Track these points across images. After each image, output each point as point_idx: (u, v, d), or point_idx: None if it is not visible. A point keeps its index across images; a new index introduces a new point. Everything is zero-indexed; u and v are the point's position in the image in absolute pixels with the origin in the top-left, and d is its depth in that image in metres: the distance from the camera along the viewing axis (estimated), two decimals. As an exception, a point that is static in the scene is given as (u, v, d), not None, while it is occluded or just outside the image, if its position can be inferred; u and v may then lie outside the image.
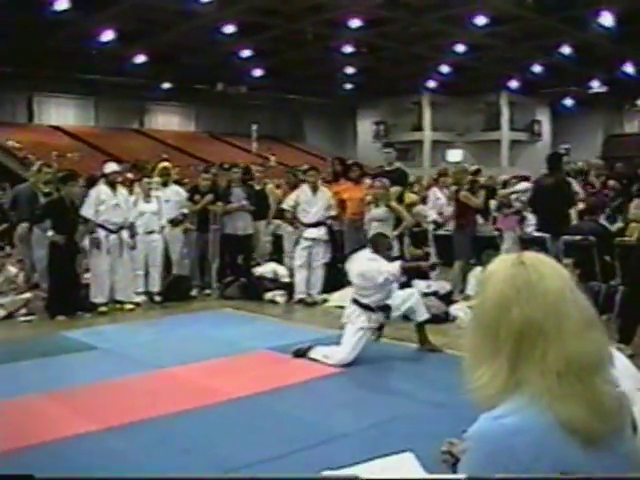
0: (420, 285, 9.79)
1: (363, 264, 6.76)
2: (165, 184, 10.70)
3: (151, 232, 10.16)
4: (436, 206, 10.68)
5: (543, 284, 1.56)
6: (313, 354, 6.79)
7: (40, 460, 4.35)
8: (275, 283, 10.48)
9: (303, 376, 6.32)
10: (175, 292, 10.29)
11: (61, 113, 34.13)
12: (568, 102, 34.61)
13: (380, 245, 6.95)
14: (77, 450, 4.56)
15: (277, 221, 11.57)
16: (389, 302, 6.76)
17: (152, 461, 4.38)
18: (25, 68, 29.03)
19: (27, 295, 9.58)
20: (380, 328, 6.91)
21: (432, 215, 10.76)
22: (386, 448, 3.09)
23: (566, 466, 1.48)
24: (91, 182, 10.57)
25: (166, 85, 33.47)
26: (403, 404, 5.42)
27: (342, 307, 9.72)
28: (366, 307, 6.74)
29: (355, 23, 24.02)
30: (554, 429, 1.48)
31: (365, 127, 38.59)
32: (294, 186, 10.85)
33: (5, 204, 10.75)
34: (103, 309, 9.44)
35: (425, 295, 9.35)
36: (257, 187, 11.60)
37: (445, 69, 30.26)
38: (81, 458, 4.43)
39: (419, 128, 36.31)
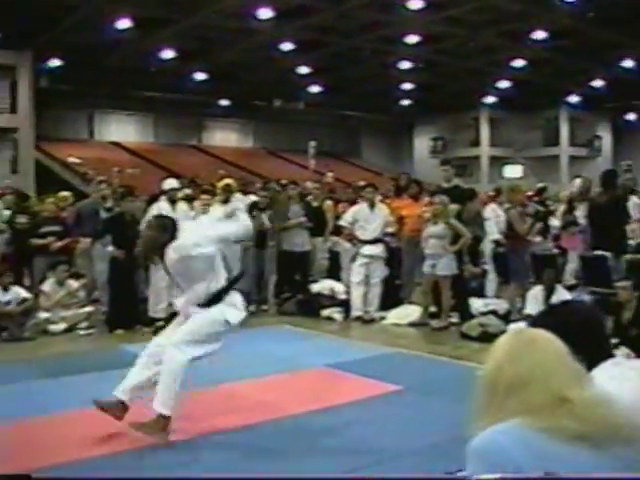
0: (477, 304, 9.69)
1: None
2: (226, 201, 10.76)
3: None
4: (498, 224, 10.51)
5: (532, 347, 1.95)
6: None
7: (102, 471, 4.41)
8: (332, 300, 10.45)
9: (360, 394, 6.26)
10: (233, 308, 10.31)
11: (121, 129, 34.73)
12: (631, 117, 33.99)
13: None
14: (140, 463, 4.61)
15: (334, 238, 11.55)
16: None
17: (212, 475, 4.39)
18: (86, 86, 29.67)
19: (88, 309, 9.74)
20: None
21: (494, 233, 10.58)
22: (440, 470, 3.02)
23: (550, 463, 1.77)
24: (152, 198, 10.70)
25: (224, 102, 33.85)
26: (460, 425, 5.29)
27: (399, 325, 9.73)
28: None
29: (412, 39, 24.00)
30: (537, 431, 1.81)
31: (422, 143, 38.45)
32: (352, 202, 10.82)
33: (68, 219, 10.93)
34: (161, 324, 9.51)
35: (482, 314, 9.26)
36: (314, 204, 11.61)
37: (504, 84, 30.02)
38: (145, 471, 4.48)
39: (477, 144, 36.03)
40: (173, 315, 9.42)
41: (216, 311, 5.11)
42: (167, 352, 4.97)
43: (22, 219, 11.39)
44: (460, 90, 30.96)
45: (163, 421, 4.86)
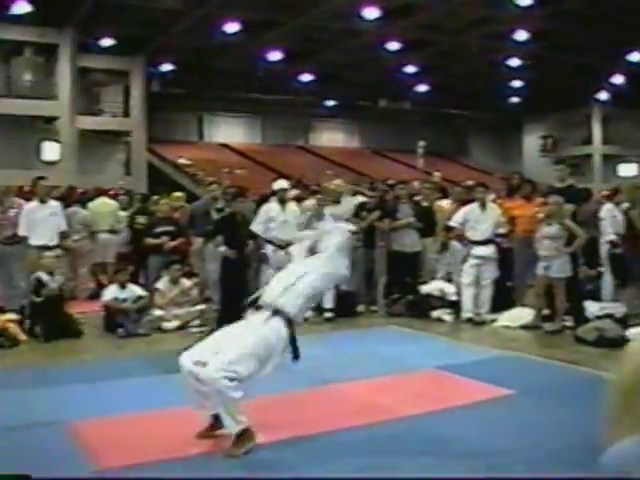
0: (593, 307, 9.38)
1: None
2: (337, 201, 10.83)
3: (325, 248, 10.19)
4: (614, 224, 10.14)
5: None
6: None
7: (214, 468, 4.52)
8: (442, 301, 10.34)
9: (471, 398, 6.14)
10: (342, 308, 10.35)
11: (229, 131, 35.44)
12: None
13: None
14: (248, 461, 4.64)
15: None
16: None
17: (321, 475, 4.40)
18: (196, 89, 30.43)
19: (200, 307, 9.94)
20: None
21: (610, 234, 10.22)
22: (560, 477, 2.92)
23: None
24: (262, 199, 10.84)
25: (330, 102, 34.06)
26: (574, 433, 5.12)
27: (511, 327, 9.52)
28: None
29: (522, 35, 23.53)
30: None
31: (531, 141, 37.68)
32: (464, 203, 10.66)
33: (182, 220, 11.20)
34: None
35: (598, 318, 8.95)
36: (424, 204, 11.50)
37: (618, 80, 29.03)
38: (253, 469, 4.52)
39: (589, 142, 34.99)
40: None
41: None
42: None
43: (142, 219, 11.80)
44: (571, 86, 30.13)
45: (243, 436, 4.72)
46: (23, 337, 8.65)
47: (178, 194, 12.38)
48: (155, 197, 13.40)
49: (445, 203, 11.68)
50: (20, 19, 23.00)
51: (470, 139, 39.82)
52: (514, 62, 27.15)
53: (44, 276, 9.13)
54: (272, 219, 9.75)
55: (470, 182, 12.39)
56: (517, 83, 30.78)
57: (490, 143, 39.46)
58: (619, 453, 1.77)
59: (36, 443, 4.96)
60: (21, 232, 10.04)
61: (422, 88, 31.78)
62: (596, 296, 10.06)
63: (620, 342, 8.02)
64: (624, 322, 8.76)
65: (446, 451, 4.82)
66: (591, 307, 9.39)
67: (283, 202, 9.91)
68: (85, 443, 4.92)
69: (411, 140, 32.63)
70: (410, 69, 28.68)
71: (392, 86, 31.48)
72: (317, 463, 4.61)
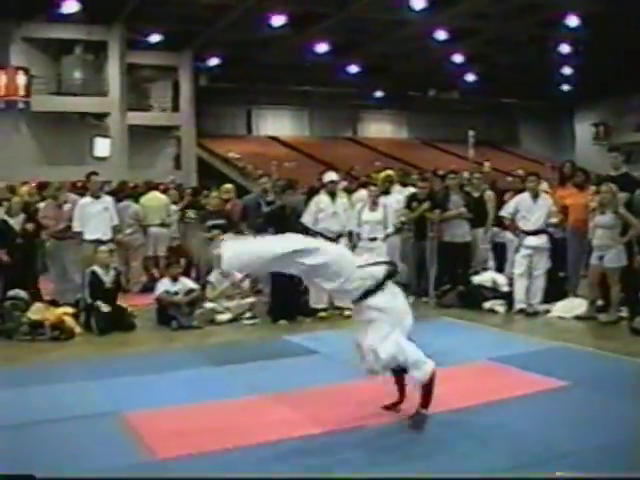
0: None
1: None
2: (387, 192, 10.82)
3: (374, 239, 10.17)
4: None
5: None
6: None
7: (265, 458, 4.54)
8: (494, 292, 10.23)
9: (525, 389, 6.08)
10: (392, 299, 10.29)
11: (277, 124, 35.57)
12: None
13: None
14: (300, 450, 4.69)
15: (496, 229, 11.29)
16: None
17: (376, 468, 4.40)
18: (243, 83, 30.58)
19: (251, 299, 10.00)
20: None
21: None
22: (613, 473, 2.86)
23: None
24: (312, 191, 10.86)
25: (378, 93, 33.98)
26: (627, 427, 5.02)
27: (564, 318, 9.40)
28: None
29: (573, 21, 23.15)
30: None
31: (583, 129, 37.08)
32: (518, 192, 10.50)
33: (234, 214, 11.25)
34: (323, 314, 9.65)
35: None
36: (475, 194, 11.39)
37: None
38: (305, 459, 4.55)
39: (643, 128, 34.23)
40: (334, 307, 9.60)
41: None
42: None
43: (191, 214, 11.94)
44: (624, 72, 29.48)
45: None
46: (78, 330, 8.80)
47: (228, 186, 12.40)
48: (205, 191, 13.49)
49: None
50: (69, 18, 23.44)
51: (520, 128, 39.34)
52: (565, 48, 26.77)
53: (99, 270, 9.27)
54: (321, 210, 9.75)
55: (521, 172, 12.24)
56: (568, 70, 30.31)
57: (541, 132, 38.91)
58: None
59: (92, 434, 5.06)
60: (75, 227, 10.23)
61: (471, 77, 31.50)
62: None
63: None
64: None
65: (496, 444, 4.78)
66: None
67: (333, 194, 9.90)
68: (139, 434, 5.00)
69: (460, 130, 32.30)
70: (458, 58, 28.44)
71: (441, 76, 31.26)
72: (370, 456, 4.61)
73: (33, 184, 15.96)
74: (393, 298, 5.05)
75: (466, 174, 12.77)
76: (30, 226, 10.07)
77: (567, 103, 36.30)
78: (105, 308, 8.95)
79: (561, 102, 35.96)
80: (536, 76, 30.88)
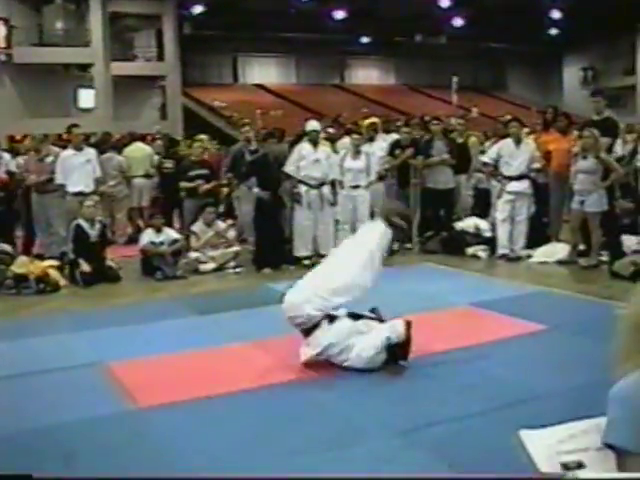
0: (630, 241, 9.27)
1: None
2: (371, 139, 10.80)
3: (357, 187, 10.17)
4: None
5: None
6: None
7: (247, 404, 4.62)
8: (477, 238, 10.29)
9: (505, 333, 6.17)
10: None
11: (264, 72, 35.23)
12: None
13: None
14: (281, 398, 4.74)
15: (479, 174, 11.31)
16: None
17: (359, 411, 4.47)
18: (228, 31, 30.16)
19: (236, 248, 10.03)
20: None
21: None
22: (589, 412, 2.91)
23: None
24: (295, 140, 10.82)
25: (365, 39, 33.62)
26: (603, 368, 5.08)
27: (546, 263, 9.47)
28: None
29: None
30: None
31: (571, 74, 36.81)
32: (502, 137, 10.49)
33: (217, 163, 11.25)
34: (306, 262, 9.69)
35: (635, 252, 8.86)
36: (459, 140, 11.38)
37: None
38: (285, 407, 4.59)
39: (632, 72, 33.97)
40: (318, 254, 9.65)
41: None
42: None
43: (168, 164, 11.94)
44: (613, 15, 29.15)
45: None
46: (63, 282, 8.84)
47: (202, 136, 12.40)
48: (188, 141, 13.45)
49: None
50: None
51: (508, 73, 39.06)
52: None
53: (84, 224, 9.24)
54: (303, 158, 9.71)
55: (507, 117, 12.21)
56: (557, 14, 29.98)
57: (529, 77, 38.63)
58: (626, 386, 1.79)
59: (76, 384, 5.11)
60: (58, 180, 10.20)
61: (458, 22, 31.16)
62: (633, 230, 9.92)
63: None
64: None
65: (476, 386, 4.85)
66: (628, 241, 9.28)
67: (315, 142, 9.86)
68: (123, 383, 5.05)
69: (448, 76, 31.93)
70: (445, 2, 28.10)
71: (428, 21, 30.89)
72: (351, 401, 4.68)
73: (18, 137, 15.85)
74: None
75: (453, 120, 12.75)
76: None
77: (555, 48, 35.98)
78: (86, 267, 8.93)
79: (549, 47, 35.64)
80: (524, 20, 30.52)
